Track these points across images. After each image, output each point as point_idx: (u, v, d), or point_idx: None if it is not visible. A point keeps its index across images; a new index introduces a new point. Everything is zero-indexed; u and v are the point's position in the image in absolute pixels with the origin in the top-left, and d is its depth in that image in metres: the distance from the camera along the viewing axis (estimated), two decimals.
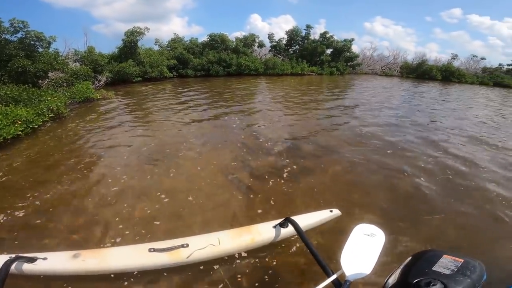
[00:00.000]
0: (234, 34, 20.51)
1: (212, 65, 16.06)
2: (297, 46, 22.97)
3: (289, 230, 2.00)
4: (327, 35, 23.07)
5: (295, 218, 2.01)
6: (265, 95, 9.94)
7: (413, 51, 51.77)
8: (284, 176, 3.32)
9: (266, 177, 3.25)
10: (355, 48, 25.18)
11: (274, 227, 2.00)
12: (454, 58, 30.81)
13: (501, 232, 2.54)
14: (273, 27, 50.42)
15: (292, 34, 22.47)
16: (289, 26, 23.29)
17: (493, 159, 4.27)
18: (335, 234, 2.21)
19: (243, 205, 2.70)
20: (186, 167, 3.46)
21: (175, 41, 17.51)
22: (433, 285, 0.83)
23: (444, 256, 0.97)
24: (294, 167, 3.57)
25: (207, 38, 18.00)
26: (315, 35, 23.49)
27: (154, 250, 1.79)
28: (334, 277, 1.27)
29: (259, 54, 20.54)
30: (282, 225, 1.98)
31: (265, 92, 10.67)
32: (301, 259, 2.03)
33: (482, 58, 32.15)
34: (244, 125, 5.43)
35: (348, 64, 23.76)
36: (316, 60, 21.48)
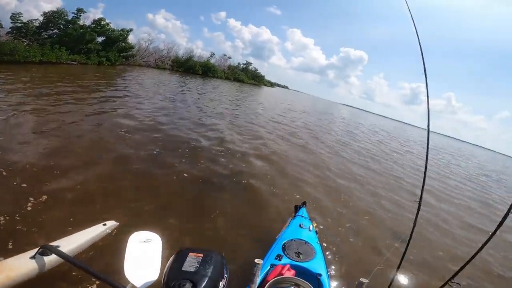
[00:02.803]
0: None
1: None
2: (56, 30, 19.00)
3: (54, 258, 1.66)
4: (102, 22, 21.30)
5: (62, 240, 1.82)
6: None
7: (185, 47, 59.11)
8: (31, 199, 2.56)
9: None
10: (131, 38, 25.02)
11: (33, 257, 1.60)
12: (212, 56, 39.49)
13: None
14: (25, 5, 35.71)
15: (53, 17, 18.38)
16: (51, 7, 18.64)
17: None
18: (118, 247, 1.78)
19: None
20: None
21: None
22: (183, 285, 0.97)
23: (190, 254, 1.12)
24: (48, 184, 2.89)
25: None
26: (87, 20, 20.83)
27: None
28: None
29: None
30: (42, 253, 1.63)
31: None
32: (86, 284, 1.81)
33: (229, 57, 43.76)
34: None
35: (121, 54, 23.00)
36: (82, 48, 19.00)
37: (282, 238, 2.19)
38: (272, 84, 66.48)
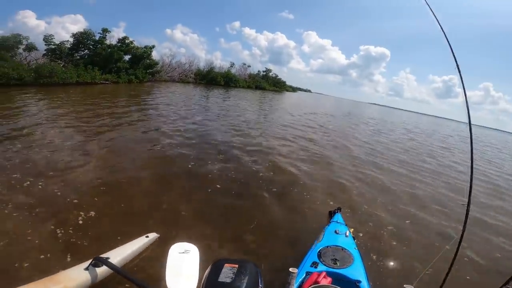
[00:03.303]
0: None
1: None
2: (86, 51, 20.24)
3: (104, 269, 1.78)
4: (127, 41, 22.23)
5: (111, 252, 1.94)
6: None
7: (204, 58, 61.46)
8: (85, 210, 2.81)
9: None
10: (154, 55, 25.80)
11: (86, 269, 1.73)
12: (232, 66, 40.33)
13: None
14: (53, 27, 40.37)
15: (82, 37, 19.65)
16: (77, 28, 20.27)
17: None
18: (159, 258, 1.93)
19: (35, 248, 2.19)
20: None
21: None
22: None
23: (225, 265, 1.15)
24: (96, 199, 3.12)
25: None
26: (112, 39, 21.88)
27: None
28: None
29: (26, 59, 16.34)
30: (95, 265, 1.75)
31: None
32: None
33: (249, 66, 44.50)
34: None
35: (148, 71, 23.99)
36: (112, 67, 20.21)
37: (318, 245, 2.15)
38: (294, 89, 65.91)
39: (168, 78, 28.39)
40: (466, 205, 1.28)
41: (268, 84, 43.89)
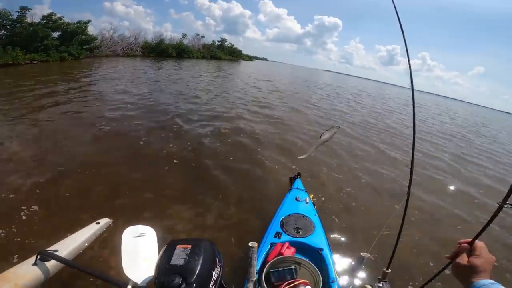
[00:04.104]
0: None
1: None
2: (3, 31, 17.32)
3: (54, 263, 1.67)
4: (54, 17, 19.68)
5: (59, 244, 1.82)
6: None
7: (152, 31, 55.78)
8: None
9: None
10: (92, 30, 23.37)
11: (35, 264, 1.61)
12: (184, 37, 37.34)
13: None
14: None
15: None
16: None
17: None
18: (114, 245, 1.82)
19: None
20: None
21: None
22: (172, 280, 0.92)
23: (178, 246, 1.07)
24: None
25: None
26: (35, 17, 18.94)
27: None
28: None
29: None
30: (43, 259, 1.63)
31: None
32: (89, 285, 1.74)
33: (202, 36, 41.69)
34: None
35: (84, 47, 21.56)
36: (37, 46, 17.50)
37: (280, 214, 2.11)
38: (250, 58, 64.39)
39: (110, 52, 25.47)
40: (410, 168, 1.43)
41: (224, 53, 42.05)
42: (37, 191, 2.72)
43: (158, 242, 1.44)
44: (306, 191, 2.60)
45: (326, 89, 19.51)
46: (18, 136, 4.09)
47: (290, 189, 2.63)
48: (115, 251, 1.53)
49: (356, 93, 20.54)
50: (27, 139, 4.03)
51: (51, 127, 4.59)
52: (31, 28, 17.53)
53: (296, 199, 2.34)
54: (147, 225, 1.54)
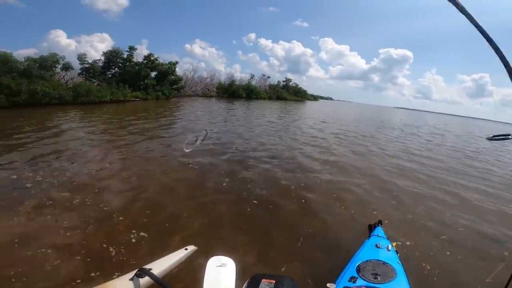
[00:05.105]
0: (22, 52, 15.98)
1: None
2: (116, 69, 20.95)
3: (147, 280, 1.81)
4: (152, 58, 22.84)
5: (152, 264, 1.99)
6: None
7: (224, 72, 62.62)
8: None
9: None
10: (177, 70, 26.25)
11: (131, 279, 1.78)
12: (252, 78, 40.81)
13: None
14: (83, 46, 43.44)
15: (112, 56, 20.33)
16: (105, 46, 21.28)
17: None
18: (196, 270, 2.03)
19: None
20: None
21: None
22: None
23: (262, 280, 1.17)
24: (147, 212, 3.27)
25: None
26: (138, 57, 22.57)
27: None
28: None
29: (63, 78, 17.08)
30: (139, 275, 1.79)
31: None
32: None
33: (268, 77, 44.78)
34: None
35: (173, 87, 24.53)
36: (140, 84, 20.79)
37: (356, 259, 2.09)
38: (315, 98, 65.23)
39: (191, 93, 28.90)
40: None
41: (289, 94, 43.63)
42: (139, 215, 3.18)
43: (236, 274, 1.50)
44: (388, 239, 2.52)
45: (406, 129, 17.48)
46: (123, 164, 4.90)
47: (369, 236, 2.59)
48: (196, 276, 1.69)
49: (437, 132, 17.80)
50: (129, 167, 4.84)
51: (151, 157, 5.51)
52: (137, 67, 20.76)
53: (376, 246, 2.28)
54: (228, 257, 1.61)
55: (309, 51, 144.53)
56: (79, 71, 19.00)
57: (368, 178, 5.43)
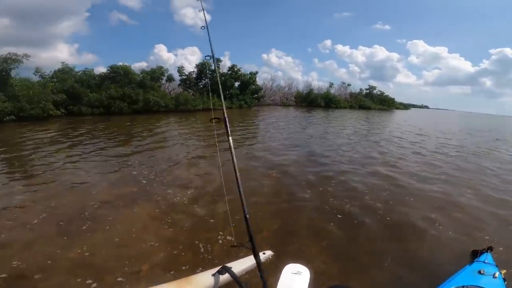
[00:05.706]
0: (137, 65, 19.74)
1: (114, 101, 14.33)
2: (206, 80, 23.13)
3: (226, 277, 2.00)
4: (235, 68, 24.45)
5: (233, 263, 2.12)
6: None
7: (301, 80, 62.24)
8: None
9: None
10: (257, 80, 27.23)
11: (213, 275, 1.96)
12: (331, 86, 38.23)
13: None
14: (179, 58, 51.33)
15: (202, 67, 22.61)
16: (195, 58, 24.15)
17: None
18: (270, 274, 2.10)
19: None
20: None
21: (64, 72, 15.04)
22: None
23: None
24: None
25: (108, 70, 16.41)
26: (223, 68, 24.69)
27: None
28: None
29: (167, 88, 20.02)
30: (220, 272, 1.97)
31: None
32: None
33: (349, 85, 41.63)
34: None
35: (254, 96, 25.71)
36: (225, 93, 22.48)
37: (451, 283, 1.98)
38: (406, 106, 57.07)
39: (270, 102, 29.44)
40: None
41: (373, 103, 39.45)
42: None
43: (309, 283, 1.49)
44: (497, 266, 2.28)
45: None
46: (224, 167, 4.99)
47: (472, 262, 2.38)
48: (270, 280, 1.71)
49: None
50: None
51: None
52: (223, 78, 22.58)
53: (479, 272, 2.13)
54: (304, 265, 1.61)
55: (395, 55, 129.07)
56: (179, 82, 21.89)
57: (479, 197, 4.72)
